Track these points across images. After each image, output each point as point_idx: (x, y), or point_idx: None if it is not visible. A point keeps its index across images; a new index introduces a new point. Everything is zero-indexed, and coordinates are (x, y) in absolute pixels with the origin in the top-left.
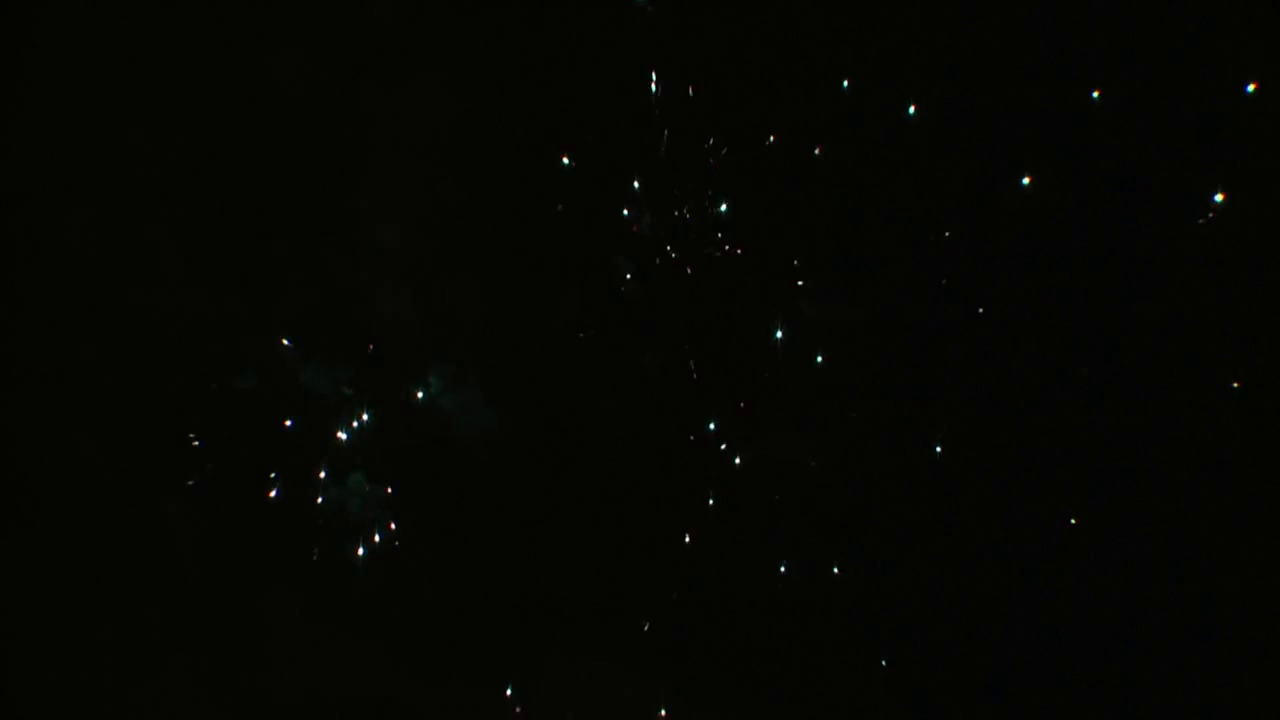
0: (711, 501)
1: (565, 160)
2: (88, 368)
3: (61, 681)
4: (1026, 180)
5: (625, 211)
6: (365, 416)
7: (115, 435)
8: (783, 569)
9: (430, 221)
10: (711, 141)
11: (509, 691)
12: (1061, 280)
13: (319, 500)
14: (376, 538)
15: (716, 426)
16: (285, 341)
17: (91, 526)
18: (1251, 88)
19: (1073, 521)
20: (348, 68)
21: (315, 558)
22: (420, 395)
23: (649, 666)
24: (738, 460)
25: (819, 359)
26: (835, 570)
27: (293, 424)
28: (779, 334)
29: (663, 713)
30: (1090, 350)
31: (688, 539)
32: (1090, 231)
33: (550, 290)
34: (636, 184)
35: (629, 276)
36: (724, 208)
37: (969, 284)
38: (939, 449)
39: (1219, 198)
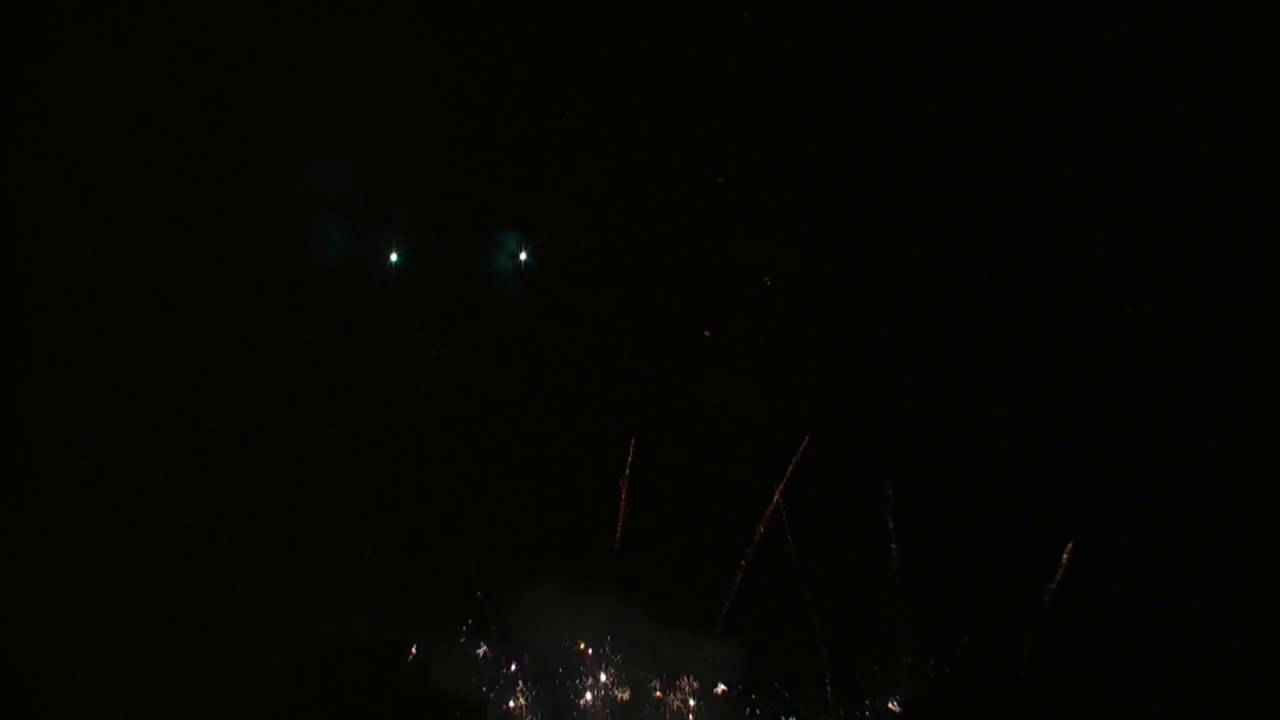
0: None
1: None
2: (51, 326)
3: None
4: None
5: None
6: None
7: (86, 395)
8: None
9: (377, 167)
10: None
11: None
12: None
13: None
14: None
15: (669, 373)
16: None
17: (76, 481)
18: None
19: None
20: (287, 13)
21: (287, 509)
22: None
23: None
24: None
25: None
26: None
27: (256, 370)
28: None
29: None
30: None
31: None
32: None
33: (497, 240)
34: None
35: (574, 224)
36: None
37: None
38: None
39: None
